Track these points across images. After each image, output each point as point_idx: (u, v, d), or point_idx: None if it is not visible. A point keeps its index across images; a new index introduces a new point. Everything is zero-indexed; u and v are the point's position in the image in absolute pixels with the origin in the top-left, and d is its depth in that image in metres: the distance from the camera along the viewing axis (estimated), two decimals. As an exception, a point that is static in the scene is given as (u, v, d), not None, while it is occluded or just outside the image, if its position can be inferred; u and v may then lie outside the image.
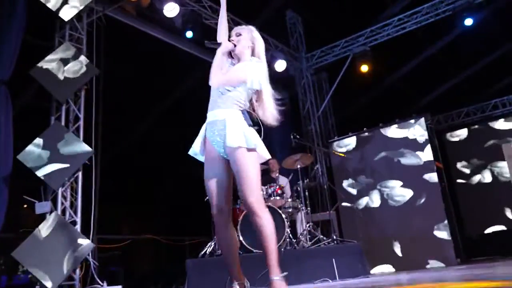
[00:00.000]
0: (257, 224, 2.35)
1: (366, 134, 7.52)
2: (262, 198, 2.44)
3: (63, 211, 4.96)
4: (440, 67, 8.37)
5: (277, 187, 5.64)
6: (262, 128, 2.64)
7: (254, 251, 4.90)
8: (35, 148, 4.78)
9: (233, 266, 2.54)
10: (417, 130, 7.00)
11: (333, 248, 5.14)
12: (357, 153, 7.57)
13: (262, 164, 5.93)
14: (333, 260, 4.73)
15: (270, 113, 2.60)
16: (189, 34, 6.79)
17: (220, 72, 2.49)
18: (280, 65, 8.02)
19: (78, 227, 4.94)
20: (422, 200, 6.75)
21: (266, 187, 5.63)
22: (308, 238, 5.44)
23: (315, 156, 8.12)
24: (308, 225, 5.62)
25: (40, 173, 4.73)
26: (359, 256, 5.04)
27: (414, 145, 6.99)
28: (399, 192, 6.99)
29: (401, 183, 6.99)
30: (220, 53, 2.52)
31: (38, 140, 4.82)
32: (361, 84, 8.22)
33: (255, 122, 2.62)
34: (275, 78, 9.25)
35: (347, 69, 8.17)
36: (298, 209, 5.79)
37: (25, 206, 5.72)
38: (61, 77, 5.08)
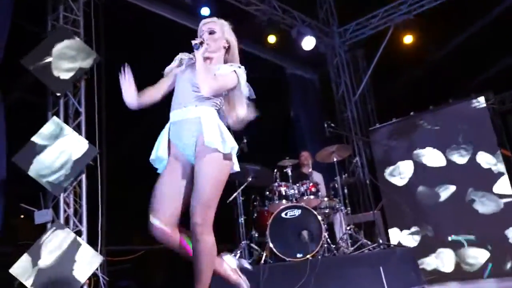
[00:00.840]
0: (194, 248, 2.40)
1: (414, 119, 7.35)
2: (211, 219, 2.43)
3: (66, 220, 5.06)
4: (499, 37, 8.06)
5: (311, 184, 5.64)
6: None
7: (287, 259, 4.91)
8: (31, 149, 4.86)
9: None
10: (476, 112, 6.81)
11: (380, 254, 5.05)
12: (403, 142, 7.42)
13: (292, 159, 5.94)
14: (381, 268, 4.66)
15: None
16: (205, 11, 6.82)
17: (211, 78, 2.47)
18: (309, 43, 7.96)
19: (84, 237, 5.04)
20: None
21: (297, 184, 5.63)
22: (349, 243, 5.39)
23: (353, 147, 8.03)
24: (348, 227, 5.57)
25: (38, 177, 4.81)
26: (412, 263, 4.96)
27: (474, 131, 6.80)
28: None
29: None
30: (201, 57, 2.47)
31: (34, 140, 4.90)
32: (405, 60, 8.02)
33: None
34: (303, 58, 9.18)
35: (388, 43, 8.03)
36: (336, 210, 5.76)
37: (22, 216, 5.83)
38: (56, 66, 5.15)
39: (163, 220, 2.47)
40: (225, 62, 2.70)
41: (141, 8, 6.51)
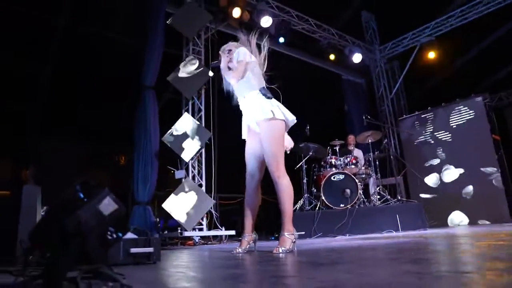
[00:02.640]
0: (277, 188, 2.27)
1: (429, 112, 7.08)
2: (282, 166, 2.27)
3: (193, 177, 5.42)
4: (502, 51, 7.45)
5: (352, 157, 5.64)
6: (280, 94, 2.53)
7: (334, 207, 5.03)
8: (173, 132, 5.29)
9: (249, 219, 2.46)
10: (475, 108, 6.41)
11: (398, 206, 5.05)
12: (422, 129, 7.19)
13: (340, 140, 6.03)
14: (397, 216, 4.69)
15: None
16: (281, 39, 6.96)
17: (230, 73, 2.45)
18: (357, 57, 7.88)
19: (203, 188, 5.38)
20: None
21: (343, 157, 5.67)
22: (377, 199, 5.40)
23: (385, 132, 7.87)
24: (378, 188, 5.57)
25: (177, 150, 5.24)
26: (419, 213, 4.90)
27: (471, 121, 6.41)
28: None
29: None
30: (223, 66, 2.52)
31: (175, 127, 5.32)
32: (428, 69, 7.69)
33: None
34: (353, 68, 9.03)
35: (416, 57, 7.71)
36: (370, 175, 5.73)
37: (171, 172, 6.37)
38: (188, 81, 5.51)
39: (251, 175, 2.44)
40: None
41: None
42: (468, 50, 7.68)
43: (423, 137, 7.09)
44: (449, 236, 2.91)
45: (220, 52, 2.66)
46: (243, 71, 2.43)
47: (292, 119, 2.39)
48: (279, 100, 2.48)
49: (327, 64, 8.29)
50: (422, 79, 8.21)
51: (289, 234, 2.22)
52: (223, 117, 5.54)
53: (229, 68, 2.52)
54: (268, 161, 2.29)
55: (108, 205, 1.16)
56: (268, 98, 2.35)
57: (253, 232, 2.52)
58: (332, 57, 7.81)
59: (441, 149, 6.83)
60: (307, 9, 7.33)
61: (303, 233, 4.37)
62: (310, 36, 7.62)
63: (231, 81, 2.49)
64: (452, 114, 6.77)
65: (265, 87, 2.47)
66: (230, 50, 2.61)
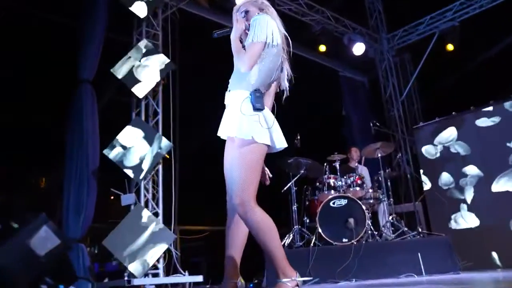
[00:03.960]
0: (248, 225, 2.20)
1: (455, 118, 7.08)
2: (250, 197, 2.17)
3: (146, 203, 5.27)
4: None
5: (357, 177, 5.57)
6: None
7: (334, 243, 4.91)
8: (118, 143, 5.13)
9: (231, 260, 2.38)
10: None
11: (419, 241, 4.97)
12: (443, 140, 7.15)
13: (340, 153, 5.94)
14: (419, 254, 4.59)
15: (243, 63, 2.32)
16: None
17: (242, 56, 2.27)
18: (359, 48, 7.89)
19: (160, 218, 5.22)
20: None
21: (345, 177, 5.58)
22: (391, 231, 5.33)
23: (399, 144, 7.87)
24: (391, 217, 5.49)
25: (124, 167, 5.06)
26: (448, 251, 4.82)
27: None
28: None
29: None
30: (234, 38, 2.31)
31: (121, 135, 5.15)
32: (450, 63, 7.76)
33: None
34: (354, 62, 9.08)
35: (433, 48, 7.78)
36: (380, 200, 5.68)
37: (112, 197, 6.13)
38: (139, 73, 5.38)
39: (229, 191, 2.36)
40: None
41: (211, 21, 6.64)
42: (501, 39, 7.79)
43: (446, 149, 7.06)
44: (497, 284, 2.75)
45: (233, 12, 2.47)
46: (258, 57, 2.26)
47: (280, 146, 2.32)
48: (273, 113, 2.37)
49: (320, 56, 8.27)
50: (442, 76, 8.28)
51: (288, 281, 2.12)
52: (189, 123, 5.59)
53: (242, 46, 2.33)
54: (232, 188, 2.21)
55: (45, 239, 0.94)
56: (257, 109, 2.22)
57: (238, 279, 2.40)
58: (322, 48, 7.76)
59: (472, 165, 6.78)
60: None
61: (310, 278, 4.21)
62: (298, 20, 7.57)
63: (243, 67, 2.27)
64: (483, 121, 6.76)
65: (263, 91, 2.31)
66: (247, 12, 2.42)
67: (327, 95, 8.75)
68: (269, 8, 2.45)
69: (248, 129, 2.19)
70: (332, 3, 7.98)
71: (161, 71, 5.50)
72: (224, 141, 2.50)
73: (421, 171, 7.07)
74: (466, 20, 7.59)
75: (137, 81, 5.36)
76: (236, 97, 2.29)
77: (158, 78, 5.48)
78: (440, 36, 7.70)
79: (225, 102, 2.39)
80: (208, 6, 6.49)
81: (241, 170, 2.18)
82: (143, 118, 5.44)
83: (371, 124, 5.94)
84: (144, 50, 5.47)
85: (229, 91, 2.35)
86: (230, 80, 2.39)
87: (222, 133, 2.42)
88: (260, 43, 2.25)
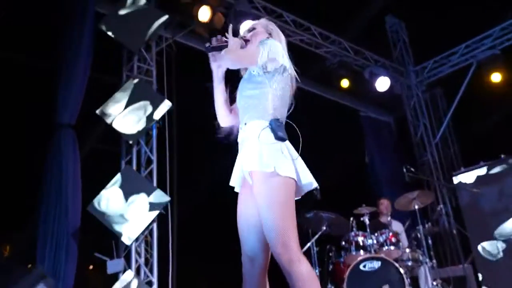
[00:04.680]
0: (289, 281, 2.11)
1: (505, 162, 7.05)
2: (294, 243, 2.13)
3: (138, 270, 5.17)
4: None
5: (390, 234, 5.46)
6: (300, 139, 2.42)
7: None
8: (105, 197, 5.09)
9: None
10: None
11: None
12: (494, 188, 7.11)
13: (369, 206, 5.88)
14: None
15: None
16: None
17: (243, 55, 2.36)
18: (383, 83, 8.01)
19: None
20: None
21: (376, 234, 5.48)
22: (437, 301, 5.16)
23: (435, 194, 7.82)
24: (435, 283, 5.36)
25: (111, 226, 4.99)
26: None
27: None
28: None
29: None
30: (230, 48, 2.38)
31: (108, 189, 5.12)
32: (492, 98, 7.79)
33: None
34: (376, 99, 9.19)
35: (471, 81, 7.92)
36: (420, 262, 5.53)
37: (91, 267, 6.01)
38: (130, 115, 5.43)
39: (251, 257, 2.30)
40: None
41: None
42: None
43: (494, 200, 6.97)
44: None
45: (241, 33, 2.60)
46: (237, 60, 2.37)
47: (307, 182, 2.30)
48: (298, 148, 2.35)
49: (337, 94, 8.37)
50: (482, 113, 8.32)
51: None
52: (188, 172, 5.69)
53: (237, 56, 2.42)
54: (269, 237, 2.15)
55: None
56: (280, 138, 2.24)
57: None
58: (345, 83, 7.87)
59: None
60: (308, 12, 7.51)
61: None
62: (312, 52, 7.72)
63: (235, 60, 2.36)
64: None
65: (282, 121, 2.35)
66: (253, 29, 2.55)
67: (347, 138, 8.78)
68: (279, 34, 2.55)
69: (269, 159, 2.18)
70: (349, 33, 8.16)
71: (156, 112, 5.54)
72: (235, 193, 2.46)
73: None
74: (509, 48, 7.72)
75: (128, 124, 5.40)
76: (254, 128, 2.30)
77: (152, 120, 5.52)
78: (479, 67, 7.82)
79: (238, 139, 2.41)
80: (208, 37, 6.59)
81: (273, 212, 2.14)
82: (134, 167, 5.43)
83: (404, 170, 5.82)
84: (135, 88, 5.55)
85: (245, 124, 2.36)
86: (240, 114, 2.42)
87: (238, 180, 2.41)
88: (274, 60, 2.32)
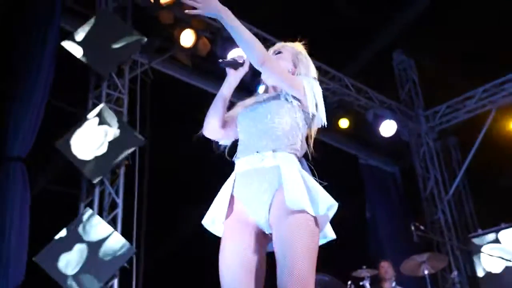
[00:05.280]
0: None
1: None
2: None
3: None
4: None
5: None
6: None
7: None
8: (58, 246, 4.99)
9: None
10: None
11: None
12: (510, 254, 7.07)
13: (370, 268, 5.81)
14: None
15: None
16: (262, 89, 7.02)
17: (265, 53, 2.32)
18: (388, 128, 8.06)
19: None
20: None
21: None
22: None
23: (448, 258, 7.74)
24: None
25: (64, 282, 4.87)
26: None
27: None
28: None
29: None
30: (240, 76, 2.47)
31: (62, 236, 5.04)
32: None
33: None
34: (380, 146, 9.23)
35: (489, 129, 7.98)
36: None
37: None
38: (94, 152, 5.37)
39: None
40: None
41: (194, 86, 6.84)
42: None
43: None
44: None
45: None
46: (272, 70, 2.35)
47: (331, 236, 2.40)
48: None
49: (335, 137, 8.36)
50: (502, 166, 8.35)
51: None
52: (158, 220, 5.51)
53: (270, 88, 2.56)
54: (286, 281, 2.10)
55: None
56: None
57: None
58: (344, 123, 7.90)
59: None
60: (307, 43, 7.55)
61: None
62: (308, 89, 7.74)
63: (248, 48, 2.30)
64: None
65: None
66: (279, 53, 2.60)
67: (344, 189, 8.70)
68: (309, 68, 2.59)
69: (321, 202, 2.21)
70: (351, 69, 8.28)
71: (125, 147, 5.51)
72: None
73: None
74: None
75: (90, 160, 5.34)
76: (289, 161, 2.31)
77: (121, 156, 5.48)
78: (498, 114, 7.92)
79: (244, 165, 2.38)
80: (191, 66, 6.63)
81: (305, 259, 2.10)
82: (96, 211, 5.33)
83: (413, 228, 5.77)
84: (102, 119, 5.51)
85: (258, 152, 2.34)
86: (253, 138, 2.40)
87: (218, 212, 2.36)
88: (301, 83, 2.38)
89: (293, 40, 2.68)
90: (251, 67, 2.39)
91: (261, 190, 2.27)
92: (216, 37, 6.59)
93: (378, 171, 9.08)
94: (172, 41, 6.28)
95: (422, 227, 5.87)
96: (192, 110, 7.13)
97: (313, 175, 2.37)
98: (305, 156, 2.49)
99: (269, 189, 2.25)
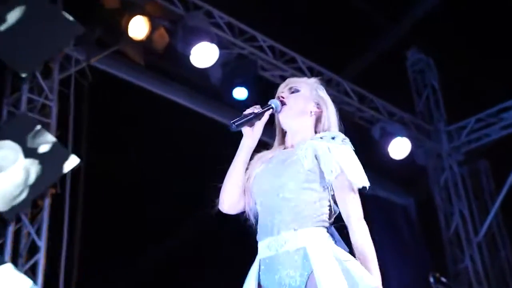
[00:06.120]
0: None
1: None
2: None
3: None
4: None
5: None
6: None
7: None
8: None
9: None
10: None
11: None
12: None
13: None
14: None
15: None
16: (240, 93, 7.03)
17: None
18: (400, 148, 8.00)
19: None
20: None
21: None
22: None
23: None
24: None
25: None
26: None
27: None
28: None
29: None
30: (260, 132, 2.61)
31: None
32: None
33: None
34: (390, 172, 9.15)
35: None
36: None
37: None
38: (6, 178, 5.28)
39: None
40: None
41: (145, 90, 6.75)
42: None
43: None
44: None
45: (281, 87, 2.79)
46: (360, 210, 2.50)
47: None
48: None
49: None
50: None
51: None
52: (92, 269, 5.34)
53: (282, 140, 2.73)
54: None
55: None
56: (352, 255, 2.42)
57: None
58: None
59: None
60: (293, 37, 7.64)
61: None
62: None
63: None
64: None
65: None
66: (296, 91, 2.70)
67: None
68: (332, 110, 2.72)
69: (363, 282, 2.30)
70: (353, 71, 8.26)
71: (52, 172, 5.42)
72: None
73: None
74: None
75: (2, 192, 5.23)
76: (309, 237, 2.41)
77: (44, 185, 5.35)
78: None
79: (266, 250, 2.50)
80: (143, 64, 6.51)
81: None
82: (7, 257, 5.19)
83: (431, 280, 5.85)
84: (22, 131, 5.41)
85: (278, 233, 2.45)
86: (271, 214, 2.52)
87: None
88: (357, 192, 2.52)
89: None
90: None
91: (289, 279, 2.37)
92: (176, 27, 6.57)
93: (387, 203, 9.08)
94: (118, 32, 6.24)
95: (444, 279, 5.93)
96: (144, 121, 7.06)
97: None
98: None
99: (299, 277, 2.35)
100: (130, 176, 6.58)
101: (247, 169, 2.70)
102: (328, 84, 7.73)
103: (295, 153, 2.56)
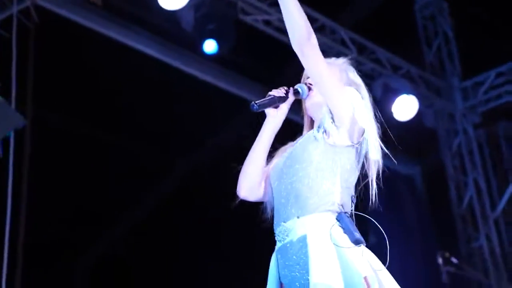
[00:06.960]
0: None
1: None
2: None
3: None
4: None
5: None
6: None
7: None
8: None
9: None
10: None
11: None
12: None
13: None
14: None
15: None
16: (209, 45, 7.11)
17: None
18: (406, 108, 8.15)
19: None
20: None
21: None
22: None
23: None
24: None
25: None
26: None
27: None
28: None
29: None
30: (284, 113, 2.80)
31: None
32: None
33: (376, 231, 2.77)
34: (394, 136, 9.43)
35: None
36: None
37: None
38: None
39: None
40: None
41: (102, 36, 6.76)
42: None
43: None
44: None
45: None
46: (328, 73, 2.57)
47: None
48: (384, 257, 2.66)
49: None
50: None
51: None
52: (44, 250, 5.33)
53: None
54: None
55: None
56: (358, 242, 2.53)
57: None
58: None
59: None
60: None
61: None
62: (284, 43, 7.68)
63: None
64: None
65: (350, 213, 2.69)
66: None
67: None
68: (365, 95, 2.82)
69: (355, 273, 2.40)
70: (351, 16, 8.44)
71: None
72: None
73: None
74: None
75: None
76: (315, 225, 2.54)
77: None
78: None
79: (279, 240, 2.67)
80: (101, 5, 6.55)
81: None
82: None
83: (440, 261, 5.97)
84: None
85: (284, 222, 2.62)
86: (277, 208, 2.71)
87: None
88: (348, 99, 2.60)
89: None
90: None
91: (297, 272, 2.54)
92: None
93: (389, 173, 9.08)
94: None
95: (454, 260, 6.08)
96: (99, 72, 7.08)
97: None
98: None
99: (303, 269, 2.49)
100: (87, 134, 6.51)
101: (273, 156, 2.85)
102: (321, 31, 7.82)
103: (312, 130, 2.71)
